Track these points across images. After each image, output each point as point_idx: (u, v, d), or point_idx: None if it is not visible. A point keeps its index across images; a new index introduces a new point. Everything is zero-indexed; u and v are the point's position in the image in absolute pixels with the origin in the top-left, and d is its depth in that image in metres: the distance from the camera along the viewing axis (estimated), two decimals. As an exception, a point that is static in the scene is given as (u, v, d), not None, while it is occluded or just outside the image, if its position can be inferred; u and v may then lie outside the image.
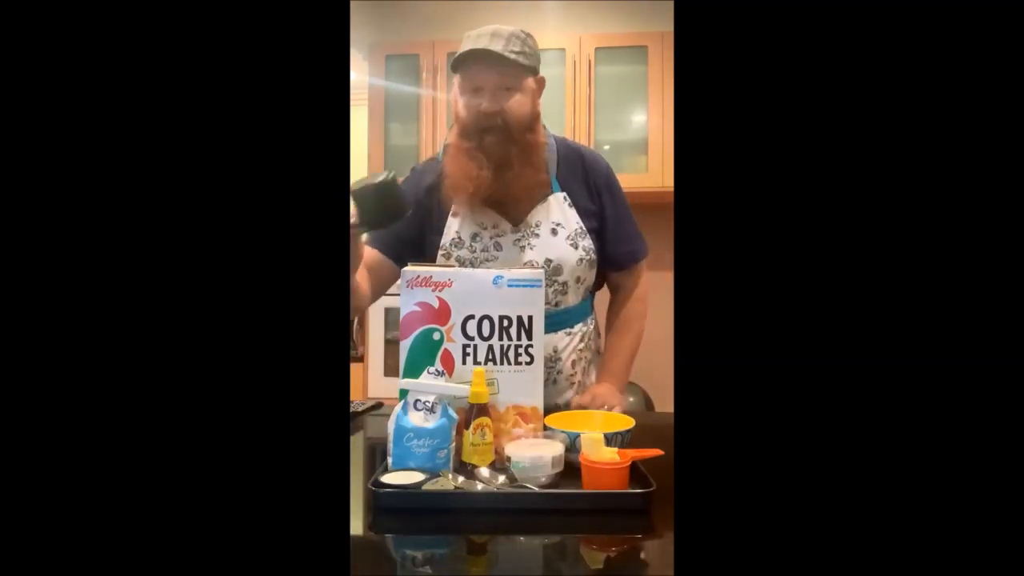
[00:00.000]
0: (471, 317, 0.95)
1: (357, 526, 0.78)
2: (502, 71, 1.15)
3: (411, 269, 0.96)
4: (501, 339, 0.96)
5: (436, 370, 0.92)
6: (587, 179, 1.28)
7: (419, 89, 2.70)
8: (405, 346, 0.95)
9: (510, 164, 1.18)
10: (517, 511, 0.80)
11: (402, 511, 0.80)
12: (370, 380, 2.69)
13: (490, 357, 0.96)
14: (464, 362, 0.95)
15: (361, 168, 2.71)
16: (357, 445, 1.18)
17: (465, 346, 0.95)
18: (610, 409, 1.13)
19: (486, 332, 0.96)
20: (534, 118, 1.22)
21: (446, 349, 0.95)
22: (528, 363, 0.97)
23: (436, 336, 0.95)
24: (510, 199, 1.21)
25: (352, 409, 1.37)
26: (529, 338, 0.97)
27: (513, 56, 1.13)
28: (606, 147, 2.65)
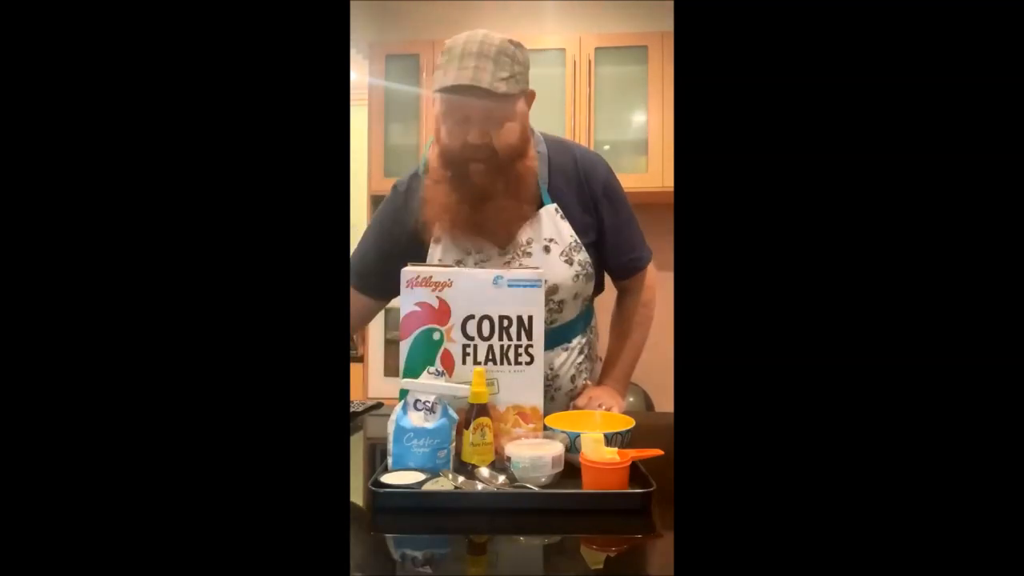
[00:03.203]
0: (471, 317, 0.95)
1: (357, 526, 0.78)
2: (493, 102, 1.05)
3: (411, 269, 0.96)
4: (501, 339, 0.96)
5: (436, 370, 0.92)
6: (582, 189, 1.19)
7: (419, 89, 2.70)
8: (405, 346, 0.95)
9: (494, 195, 1.11)
10: (517, 511, 0.80)
11: (402, 511, 0.80)
12: (370, 380, 2.69)
13: (490, 357, 0.96)
14: (464, 362, 0.95)
15: (361, 168, 2.71)
16: (357, 445, 1.18)
17: (465, 346, 0.95)
18: (608, 410, 1.13)
19: (486, 332, 0.96)
20: (524, 142, 1.13)
21: (446, 349, 0.95)
22: (528, 363, 0.97)
23: (436, 336, 0.95)
24: (494, 227, 1.15)
25: (352, 409, 1.37)
26: (529, 338, 0.96)
27: (504, 88, 1.03)
28: (606, 147, 2.65)
